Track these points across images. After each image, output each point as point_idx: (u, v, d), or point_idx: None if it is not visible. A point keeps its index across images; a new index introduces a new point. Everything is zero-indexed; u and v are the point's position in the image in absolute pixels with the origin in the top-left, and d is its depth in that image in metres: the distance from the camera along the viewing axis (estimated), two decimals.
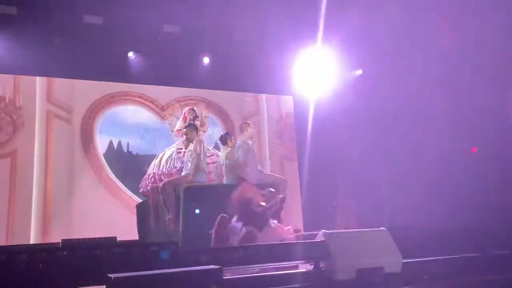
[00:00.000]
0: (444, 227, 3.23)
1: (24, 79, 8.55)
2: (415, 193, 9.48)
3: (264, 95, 10.42)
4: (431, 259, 2.81)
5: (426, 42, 8.20)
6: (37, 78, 8.63)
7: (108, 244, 6.36)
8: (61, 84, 8.80)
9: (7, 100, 8.35)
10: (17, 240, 7.74)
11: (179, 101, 9.08)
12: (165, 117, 7.24)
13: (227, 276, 2.28)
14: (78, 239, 7.36)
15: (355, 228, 8.30)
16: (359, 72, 10.24)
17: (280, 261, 2.83)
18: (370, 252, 2.66)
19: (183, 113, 6.86)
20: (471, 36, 7.49)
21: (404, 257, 2.67)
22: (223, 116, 9.96)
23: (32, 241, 7.91)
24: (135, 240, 7.00)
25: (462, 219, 6.99)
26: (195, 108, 6.85)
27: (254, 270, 2.75)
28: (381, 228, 2.88)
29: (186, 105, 8.47)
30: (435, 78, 8.35)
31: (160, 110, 9.11)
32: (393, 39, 8.34)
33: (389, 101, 9.65)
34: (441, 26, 7.72)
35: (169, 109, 7.21)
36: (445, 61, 8.19)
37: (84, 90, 8.93)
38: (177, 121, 6.91)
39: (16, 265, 2.14)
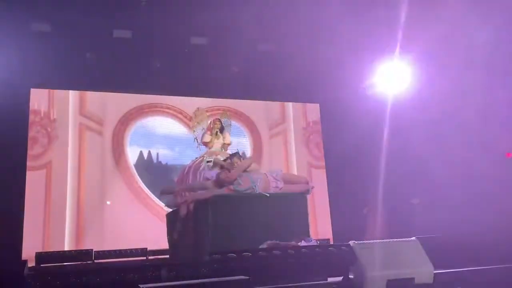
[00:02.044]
0: (477, 236, 3.14)
1: (57, 93, 8.87)
2: (449, 200, 9.27)
3: (290, 103, 10.44)
4: (463, 270, 2.74)
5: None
6: (70, 91, 8.93)
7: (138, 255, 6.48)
8: (92, 97, 9.08)
9: (42, 114, 8.66)
10: (52, 248, 7.99)
11: (206, 111, 9.20)
12: (191, 127, 7.30)
13: (256, 287, 2.29)
14: (109, 251, 7.59)
15: (386, 238, 8.20)
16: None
17: (308, 271, 2.82)
18: (401, 262, 2.62)
19: (208, 123, 6.91)
20: None
21: (436, 268, 2.61)
22: (250, 125, 10.03)
23: (66, 248, 8.14)
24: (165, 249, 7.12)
25: (496, 228, 6.78)
26: (221, 119, 6.89)
27: (283, 280, 2.75)
28: (412, 238, 2.83)
29: (212, 115, 8.57)
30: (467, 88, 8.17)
31: (189, 120, 9.24)
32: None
33: (417, 107, 9.50)
34: None
35: (193, 120, 7.26)
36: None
37: (114, 103, 9.18)
38: (200, 131, 6.96)
39: (51, 277, 2.22)
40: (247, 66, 9.18)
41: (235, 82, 9.37)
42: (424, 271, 2.65)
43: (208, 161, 6.37)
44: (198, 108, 7.35)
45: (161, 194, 5.79)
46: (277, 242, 4.42)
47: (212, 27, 7.98)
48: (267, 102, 10.23)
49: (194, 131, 7.15)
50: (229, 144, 6.99)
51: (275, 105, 10.36)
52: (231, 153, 6.39)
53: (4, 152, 7.79)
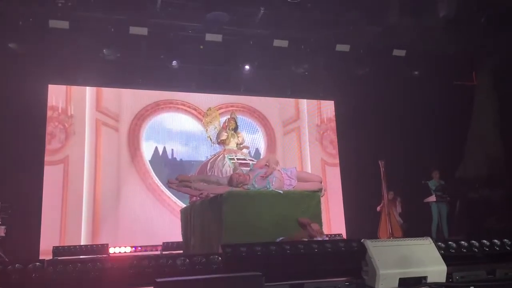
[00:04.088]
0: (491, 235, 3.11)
1: (75, 89, 9.01)
2: (464, 199, 9.17)
3: (305, 100, 10.42)
4: (477, 269, 2.72)
5: None
6: (87, 88, 9.06)
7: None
8: (108, 93, 9.20)
9: (60, 110, 8.81)
10: (69, 241, 8.14)
11: (220, 108, 9.26)
12: (204, 125, 7.30)
13: (269, 283, 2.31)
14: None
15: (400, 236, 8.14)
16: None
17: (321, 268, 2.83)
18: (414, 261, 2.61)
19: (223, 122, 6.93)
20: None
21: (448, 267, 2.60)
22: (264, 122, 10.05)
23: (82, 243, 8.27)
24: (179, 243, 7.19)
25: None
26: (235, 118, 6.90)
27: (295, 276, 2.76)
28: (426, 237, 2.81)
29: (227, 111, 8.61)
30: None
31: (203, 117, 9.30)
32: None
33: (434, 106, 9.43)
34: None
35: (204, 119, 7.26)
36: None
37: (130, 99, 9.29)
38: (213, 130, 6.98)
39: (69, 270, 2.28)
40: (262, 62, 9.20)
41: (250, 79, 9.41)
42: (437, 270, 2.63)
43: (230, 158, 6.39)
44: (210, 107, 7.40)
45: (179, 181, 5.81)
46: (290, 239, 4.44)
47: (227, 25, 8.01)
48: (281, 98, 10.22)
49: (206, 130, 7.16)
50: (242, 143, 7.02)
51: (289, 102, 10.35)
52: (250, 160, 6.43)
53: (23, 146, 7.95)
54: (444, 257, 2.63)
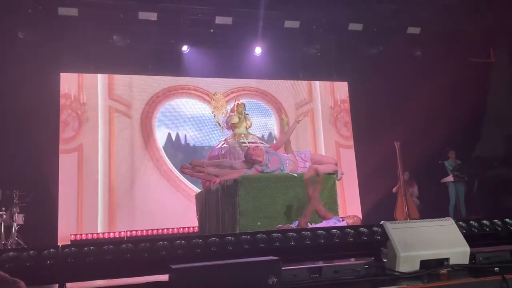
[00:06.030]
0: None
1: (87, 76, 8.99)
2: (482, 179, 9.03)
3: (317, 82, 10.27)
4: (501, 250, 2.63)
5: None
6: (98, 75, 9.04)
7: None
8: (120, 80, 9.17)
9: (72, 98, 8.82)
10: (86, 229, 8.23)
11: (232, 92, 9.19)
12: (212, 109, 7.21)
13: (286, 267, 2.27)
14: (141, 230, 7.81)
15: (417, 217, 8.06)
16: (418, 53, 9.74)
17: (339, 251, 2.78)
18: (435, 243, 2.53)
19: (231, 107, 6.85)
20: None
21: (471, 248, 2.52)
22: (276, 105, 9.95)
23: (99, 230, 8.37)
24: (195, 228, 7.24)
25: None
26: (244, 103, 6.83)
27: (314, 260, 2.72)
28: (447, 217, 2.72)
29: (239, 95, 8.54)
30: None
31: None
32: None
33: (450, 84, 9.22)
34: None
35: (212, 104, 7.17)
36: None
37: (142, 85, 9.25)
38: (221, 115, 6.92)
39: (84, 255, 2.26)
40: (273, 44, 9.06)
41: (261, 61, 9.28)
42: (460, 251, 2.55)
43: (242, 142, 6.34)
44: (215, 93, 7.30)
45: (192, 166, 5.80)
46: (302, 223, 4.40)
47: (237, 6, 7.88)
48: (294, 81, 10.09)
49: (214, 115, 7.10)
50: (250, 127, 6.96)
51: (302, 84, 10.21)
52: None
53: (38, 135, 7.99)
54: (466, 238, 2.55)
